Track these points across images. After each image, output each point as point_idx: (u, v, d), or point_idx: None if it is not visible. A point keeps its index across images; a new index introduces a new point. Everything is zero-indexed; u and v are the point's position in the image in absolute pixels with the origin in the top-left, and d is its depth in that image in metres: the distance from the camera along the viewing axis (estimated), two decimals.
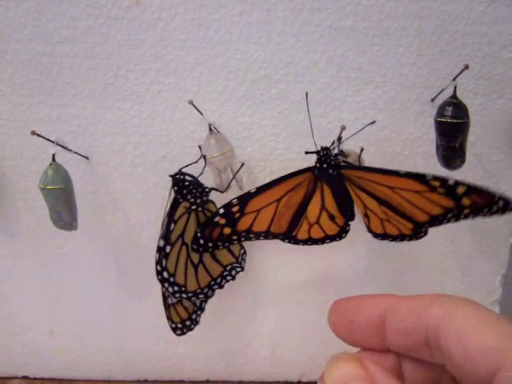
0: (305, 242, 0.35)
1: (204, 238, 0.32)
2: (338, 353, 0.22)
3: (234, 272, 0.37)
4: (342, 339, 0.24)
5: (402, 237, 0.33)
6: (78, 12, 0.35)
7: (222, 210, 0.32)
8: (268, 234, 0.34)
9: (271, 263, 0.42)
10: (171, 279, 0.35)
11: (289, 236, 0.34)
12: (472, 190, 0.28)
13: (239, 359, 0.46)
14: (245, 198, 0.32)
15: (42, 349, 0.46)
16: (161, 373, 0.46)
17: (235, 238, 0.33)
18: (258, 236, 0.33)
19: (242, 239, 0.33)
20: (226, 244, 0.33)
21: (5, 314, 0.44)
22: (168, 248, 0.34)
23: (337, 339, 0.45)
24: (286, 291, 0.43)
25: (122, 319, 0.44)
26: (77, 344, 0.45)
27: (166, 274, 0.34)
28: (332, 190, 0.33)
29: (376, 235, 0.34)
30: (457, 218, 0.30)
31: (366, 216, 0.33)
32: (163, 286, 0.35)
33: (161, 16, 0.35)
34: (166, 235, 0.34)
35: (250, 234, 0.33)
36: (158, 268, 0.35)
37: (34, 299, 0.44)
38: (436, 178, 0.29)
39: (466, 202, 0.28)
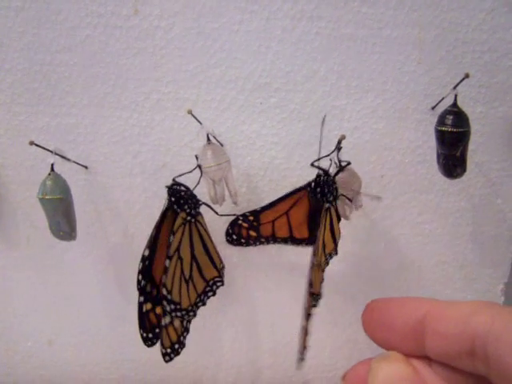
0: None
1: (235, 234, 0.36)
2: (383, 352, 0.20)
3: (215, 287, 0.36)
4: (375, 341, 0.23)
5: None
6: (77, 21, 0.35)
7: (241, 217, 0.35)
8: (293, 240, 0.36)
9: (268, 277, 0.42)
10: (169, 296, 0.33)
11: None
12: None
13: (241, 368, 0.45)
14: (256, 213, 0.35)
15: (41, 358, 0.45)
16: (161, 382, 0.46)
17: (263, 240, 0.36)
18: (285, 241, 0.36)
19: (271, 242, 0.36)
20: (257, 243, 0.36)
21: (4, 324, 0.44)
22: (167, 262, 0.33)
23: (336, 349, 0.44)
24: (284, 303, 0.43)
25: (121, 329, 0.43)
26: (76, 353, 0.45)
27: (164, 291, 0.33)
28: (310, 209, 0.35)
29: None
30: None
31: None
32: (141, 295, 0.34)
33: (160, 25, 0.35)
34: (152, 245, 0.34)
35: (277, 239, 0.36)
36: (140, 278, 0.34)
37: (34, 309, 0.43)
38: None
39: None
